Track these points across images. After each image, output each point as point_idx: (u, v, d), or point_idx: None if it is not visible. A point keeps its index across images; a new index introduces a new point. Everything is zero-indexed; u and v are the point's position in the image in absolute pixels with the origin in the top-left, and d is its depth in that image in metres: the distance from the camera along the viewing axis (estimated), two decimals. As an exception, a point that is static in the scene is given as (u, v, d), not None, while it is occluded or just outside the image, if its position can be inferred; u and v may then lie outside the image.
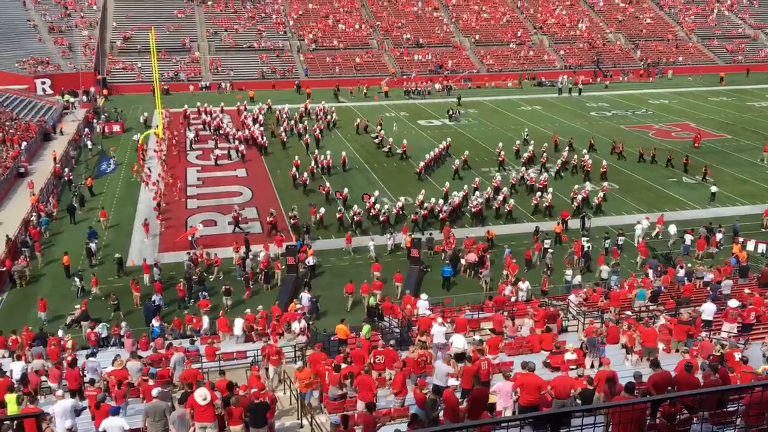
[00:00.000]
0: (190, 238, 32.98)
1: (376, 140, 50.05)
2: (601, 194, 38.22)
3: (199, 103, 59.55)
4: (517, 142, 47.97)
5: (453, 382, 14.10)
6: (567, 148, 46.48)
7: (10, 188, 40.55)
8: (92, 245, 31.56)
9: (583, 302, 24.25)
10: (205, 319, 25.22)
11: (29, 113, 56.04)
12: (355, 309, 27.40)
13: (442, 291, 29.06)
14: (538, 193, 38.05)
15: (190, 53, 77.06)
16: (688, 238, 32.49)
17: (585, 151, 46.03)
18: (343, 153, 45.70)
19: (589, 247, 31.66)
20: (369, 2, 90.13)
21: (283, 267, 29.97)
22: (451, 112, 58.63)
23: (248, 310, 24.55)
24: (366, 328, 21.81)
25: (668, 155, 45.61)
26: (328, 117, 57.14)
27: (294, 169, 42.25)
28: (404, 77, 75.38)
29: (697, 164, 44.29)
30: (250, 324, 23.63)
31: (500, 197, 36.99)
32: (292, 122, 54.60)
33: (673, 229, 33.48)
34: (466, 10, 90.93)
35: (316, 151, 45.93)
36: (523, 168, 43.05)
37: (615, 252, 31.39)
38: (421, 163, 43.73)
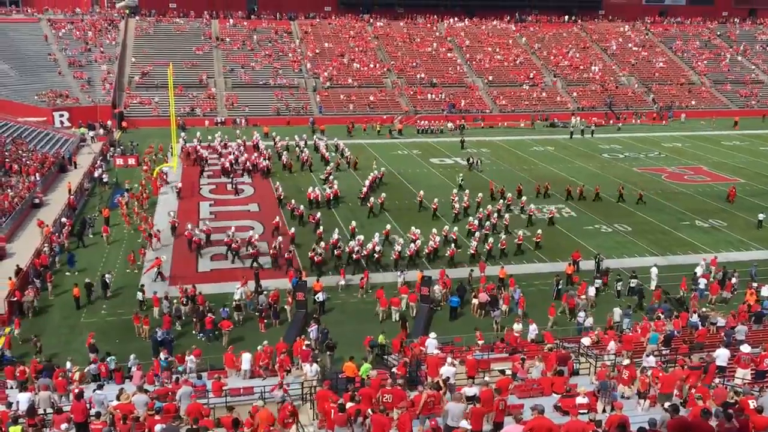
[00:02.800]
0: (156, 270, 32.92)
1: (322, 176, 50.70)
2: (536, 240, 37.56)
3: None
4: (454, 190, 46.52)
5: (465, 424, 13.82)
6: (500, 197, 45.17)
7: (24, 219, 40.84)
8: (107, 276, 31.59)
9: (619, 346, 23.49)
10: (190, 360, 23.87)
11: (46, 145, 56.78)
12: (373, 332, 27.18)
13: (451, 325, 28.89)
14: (452, 245, 36.00)
15: (207, 89, 78.18)
16: (703, 282, 32.25)
17: (510, 194, 45.00)
18: (335, 186, 46.20)
19: (638, 284, 31.61)
20: (384, 42, 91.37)
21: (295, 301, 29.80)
22: (471, 161, 56.31)
23: (260, 347, 24.24)
24: (364, 367, 21.34)
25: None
26: (347, 154, 57.59)
27: (280, 187, 45.75)
28: (417, 115, 76.05)
29: (715, 210, 44.07)
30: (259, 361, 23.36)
31: (413, 245, 35.24)
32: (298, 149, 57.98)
33: (699, 270, 33.47)
34: (480, 51, 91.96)
35: (316, 188, 46.23)
36: (447, 227, 38.50)
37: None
38: (364, 189, 46.05)
